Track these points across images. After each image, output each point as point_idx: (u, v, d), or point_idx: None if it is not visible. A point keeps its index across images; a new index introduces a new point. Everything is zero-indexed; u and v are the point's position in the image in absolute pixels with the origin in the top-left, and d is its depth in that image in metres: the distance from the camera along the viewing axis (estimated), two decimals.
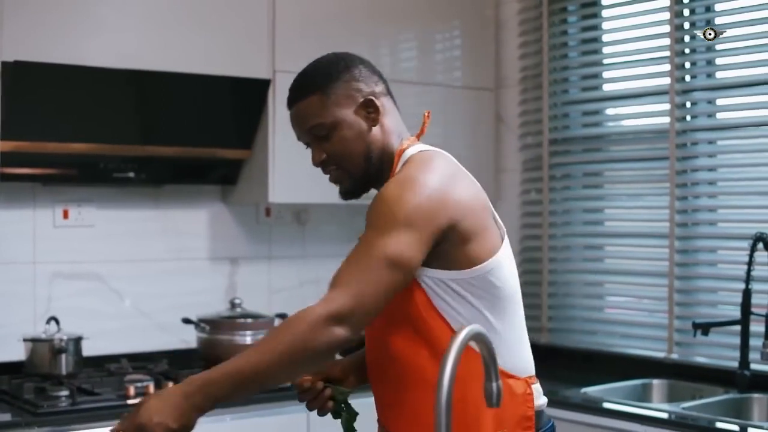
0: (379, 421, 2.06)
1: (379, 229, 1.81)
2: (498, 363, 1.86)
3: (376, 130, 1.97)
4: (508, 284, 1.94)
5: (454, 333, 1.75)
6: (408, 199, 1.82)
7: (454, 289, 1.87)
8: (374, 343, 2.00)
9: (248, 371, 1.72)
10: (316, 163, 2.01)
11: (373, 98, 1.97)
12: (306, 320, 1.72)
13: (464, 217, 1.87)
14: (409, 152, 1.97)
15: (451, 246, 1.86)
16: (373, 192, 2.00)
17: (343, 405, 2.01)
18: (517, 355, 1.94)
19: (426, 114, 2.08)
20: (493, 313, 1.90)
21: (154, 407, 1.68)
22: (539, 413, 1.96)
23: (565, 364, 3.89)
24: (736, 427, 2.90)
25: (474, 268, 1.88)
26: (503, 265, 1.93)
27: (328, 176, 2.03)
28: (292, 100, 2.01)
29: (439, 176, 1.88)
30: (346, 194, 2.04)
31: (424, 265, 1.85)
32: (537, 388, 1.97)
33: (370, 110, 1.97)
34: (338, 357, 2.11)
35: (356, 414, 2.01)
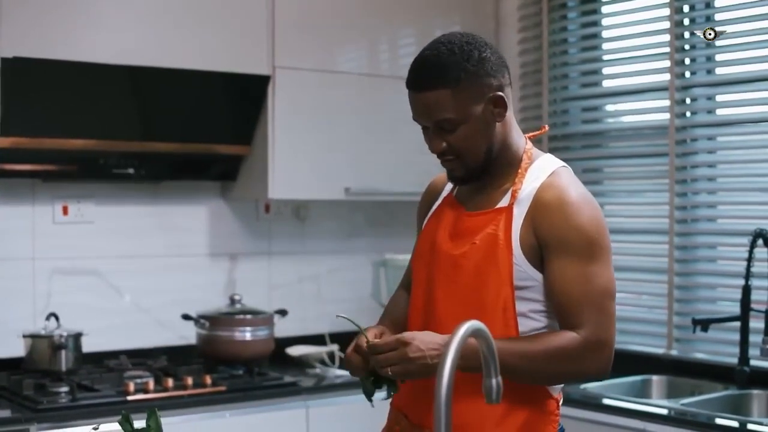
0: (410, 419, 2.04)
1: (592, 260, 1.90)
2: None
3: (499, 124, 1.96)
4: None
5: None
6: (596, 221, 1.92)
7: (544, 307, 1.93)
8: None
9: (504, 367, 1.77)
10: (436, 152, 1.98)
11: (502, 94, 1.94)
12: (581, 364, 1.88)
13: None
14: (544, 162, 2.00)
15: None
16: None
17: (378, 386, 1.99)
18: None
19: (544, 128, 2.18)
20: (554, 327, 1.95)
21: (423, 339, 1.84)
22: None
23: None
24: (735, 423, 2.90)
25: None
26: None
27: (441, 162, 2.02)
28: (419, 87, 1.93)
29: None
30: (456, 180, 2.04)
31: (540, 271, 1.93)
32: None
33: (497, 105, 1.94)
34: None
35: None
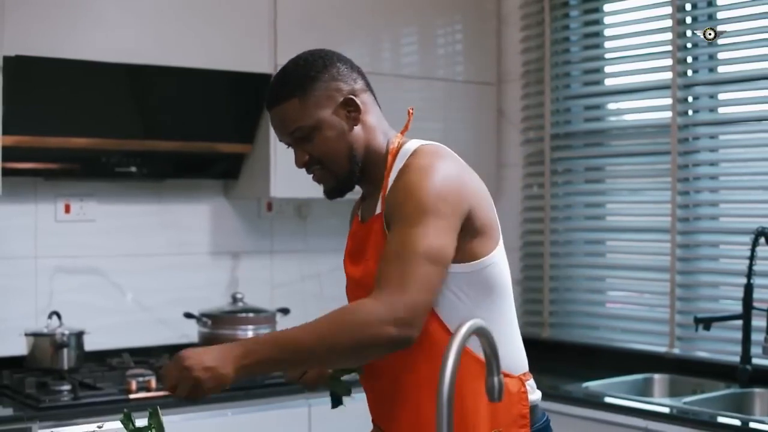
0: (373, 421, 2.06)
1: (413, 223, 1.79)
2: None
3: (357, 128, 1.96)
4: (502, 281, 1.93)
5: (449, 331, 1.76)
6: (432, 186, 1.81)
7: (450, 284, 1.85)
8: None
9: (290, 345, 1.75)
10: (300, 165, 2.00)
11: (353, 97, 1.95)
12: (364, 318, 1.73)
13: (479, 208, 1.89)
14: (409, 147, 1.95)
15: (460, 237, 1.84)
16: (356, 190, 2.02)
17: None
18: (510, 352, 1.93)
19: (410, 110, 2.06)
20: (487, 311, 1.88)
21: (195, 351, 1.74)
22: (533, 408, 1.95)
23: (566, 359, 3.89)
24: (737, 422, 2.90)
25: (473, 262, 1.88)
26: (500, 261, 1.93)
27: (311, 176, 2.02)
28: (271, 103, 1.97)
29: (454, 165, 1.90)
30: (330, 193, 2.04)
31: None
32: (530, 383, 1.96)
33: (350, 109, 1.95)
34: None
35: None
